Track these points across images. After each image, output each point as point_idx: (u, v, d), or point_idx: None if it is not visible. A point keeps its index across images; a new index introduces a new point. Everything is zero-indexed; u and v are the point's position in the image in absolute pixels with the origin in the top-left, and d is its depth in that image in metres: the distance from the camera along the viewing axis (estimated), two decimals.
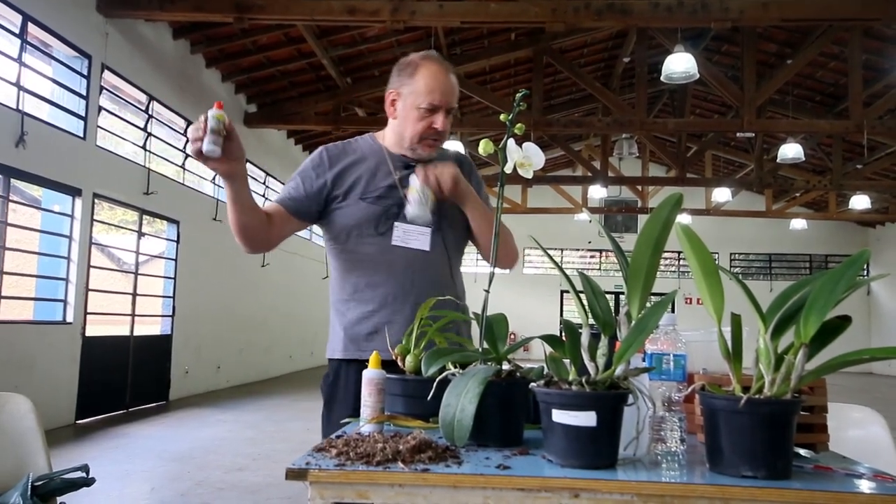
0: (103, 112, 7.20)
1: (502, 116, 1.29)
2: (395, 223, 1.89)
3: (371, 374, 1.40)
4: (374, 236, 1.89)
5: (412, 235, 1.90)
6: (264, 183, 11.71)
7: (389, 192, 1.91)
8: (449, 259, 1.96)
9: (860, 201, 14.25)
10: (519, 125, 1.27)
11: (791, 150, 11.20)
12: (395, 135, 1.97)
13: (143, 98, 7.95)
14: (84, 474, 2.35)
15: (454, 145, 10.64)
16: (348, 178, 1.93)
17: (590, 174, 12.98)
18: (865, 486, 1.07)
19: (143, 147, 7.91)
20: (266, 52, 9.34)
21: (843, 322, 1.11)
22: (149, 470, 4.86)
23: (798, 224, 18.03)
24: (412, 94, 1.88)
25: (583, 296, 1.25)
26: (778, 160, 11.70)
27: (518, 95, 1.25)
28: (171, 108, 8.45)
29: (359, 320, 1.94)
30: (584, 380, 1.15)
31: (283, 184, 11.89)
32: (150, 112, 8.04)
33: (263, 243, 1.94)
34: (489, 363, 1.34)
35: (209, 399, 8.70)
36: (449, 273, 1.96)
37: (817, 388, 1.32)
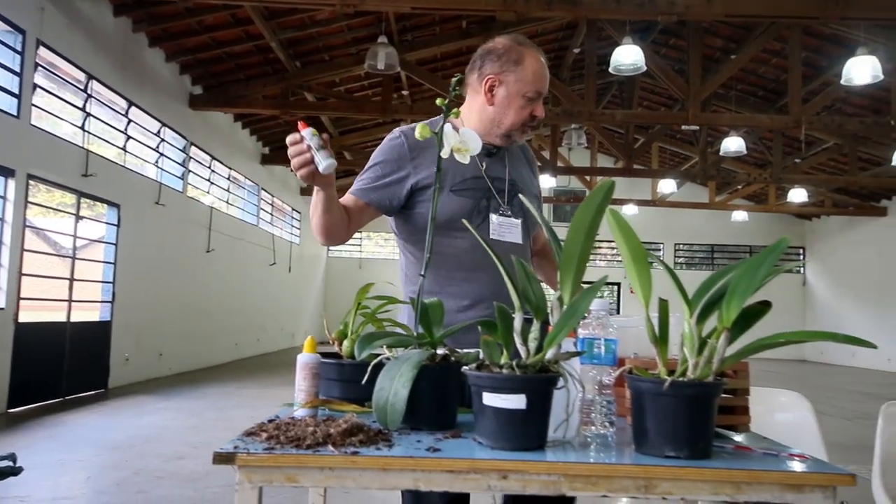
0: (39, 90, 6.93)
1: (438, 101, 1.29)
2: (491, 216, 1.84)
3: (305, 359, 1.39)
4: (466, 230, 1.72)
5: (507, 228, 1.86)
6: (209, 167, 11.47)
7: (477, 183, 1.85)
8: (530, 249, 1.96)
9: (798, 194, 14.75)
10: (455, 110, 1.27)
11: (734, 144, 11.51)
12: (488, 121, 1.87)
13: (82, 77, 7.68)
14: (11, 463, 2.28)
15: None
16: (433, 167, 1.78)
17: (539, 164, 13.07)
18: (780, 464, 1.12)
19: (82, 128, 7.65)
20: (212, 33, 9.12)
21: (763, 307, 1.15)
22: (84, 459, 4.74)
23: (739, 216, 18.55)
24: (518, 81, 1.82)
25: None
26: (721, 153, 12.01)
27: (453, 80, 1.25)
28: (111, 88, 8.19)
29: (453, 314, 1.81)
30: (514, 363, 1.16)
31: (229, 168, 11.66)
32: (89, 91, 7.78)
33: (343, 238, 1.86)
34: (424, 347, 1.34)
35: (150, 387, 8.52)
36: (530, 263, 1.95)
37: (740, 371, 1.36)
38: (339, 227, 1.79)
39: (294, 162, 1.53)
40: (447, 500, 1.77)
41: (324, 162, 1.51)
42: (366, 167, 1.89)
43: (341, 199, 1.82)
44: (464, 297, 1.83)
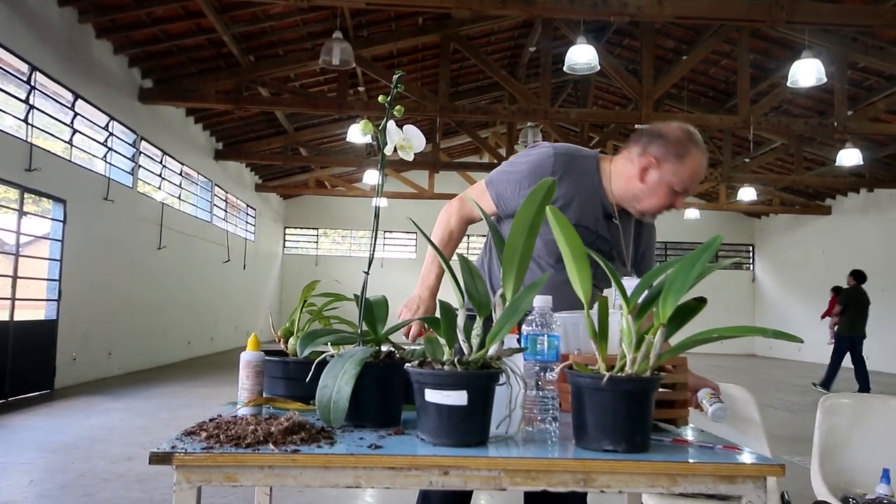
0: None
1: (380, 98, 1.29)
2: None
3: (248, 357, 1.38)
4: (553, 265, 1.93)
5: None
6: (161, 162, 11.24)
7: (591, 231, 1.93)
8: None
9: (747, 193, 15.11)
10: (398, 107, 1.27)
11: None
12: (629, 192, 1.93)
13: (25, 68, 7.44)
14: None
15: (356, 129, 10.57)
16: (564, 189, 1.91)
17: (496, 161, 13.16)
18: (714, 457, 1.15)
19: (25, 120, 7.41)
20: (162, 26, 8.92)
21: (699, 304, 1.18)
22: (28, 462, 4.60)
23: (692, 214, 18.90)
24: (674, 174, 1.85)
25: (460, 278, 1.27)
26: None
27: (395, 77, 1.25)
28: (56, 80, 7.95)
29: None
30: (456, 360, 1.17)
31: (182, 164, 11.42)
32: (32, 83, 7.54)
33: None
34: (368, 344, 1.34)
35: (99, 387, 8.32)
36: None
37: (679, 366, 1.39)
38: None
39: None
40: (449, 498, 1.87)
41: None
42: (511, 171, 1.95)
43: (474, 194, 1.99)
44: None
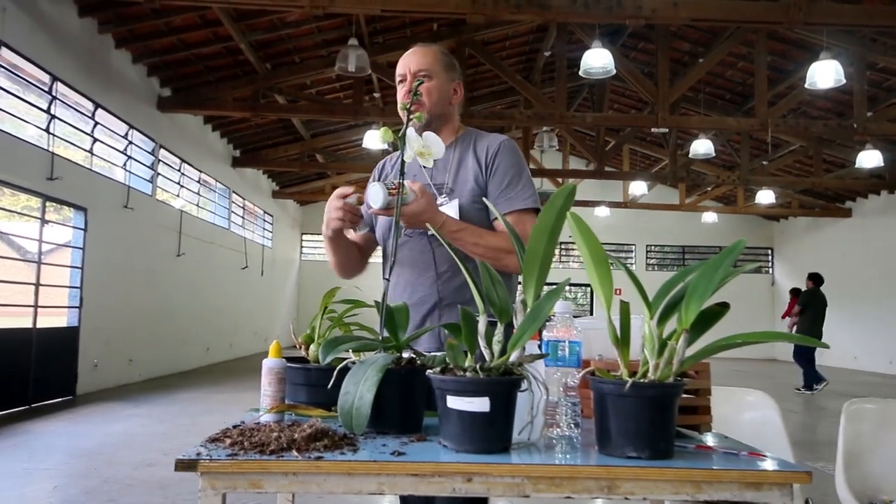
0: (2, 92, 6.80)
1: (400, 105, 1.29)
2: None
3: (271, 364, 1.38)
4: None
5: None
6: (179, 170, 11.34)
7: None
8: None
9: (766, 196, 14.99)
10: (417, 114, 1.28)
11: (702, 146, 11.66)
12: None
13: (47, 78, 7.54)
14: None
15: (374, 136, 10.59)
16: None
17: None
18: (740, 463, 1.14)
19: (47, 130, 7.52)
20: (180, 35, 9.02)
21: (722, 309, 1.17)
22: (52, 468, 4.66)
23: (709, 217, 18.80)
24: None
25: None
26: (690, 155, 12.16)
27: (415, 85, 1.26)
28: (77, 90, 8.05)
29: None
30: (478, 366, 1.17)
31: (200, 171, 11.57)
32: (53, 93, 7.65)
33: (358, 272, 2.10)
34: (389, 351, 1.35)
35: (120, 393, 8.40)
36: None
37: (701, 371, 1.38)
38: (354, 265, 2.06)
39: (337, 215, 1.72)
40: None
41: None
42: (527, 178, 1.91)
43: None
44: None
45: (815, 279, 10.94)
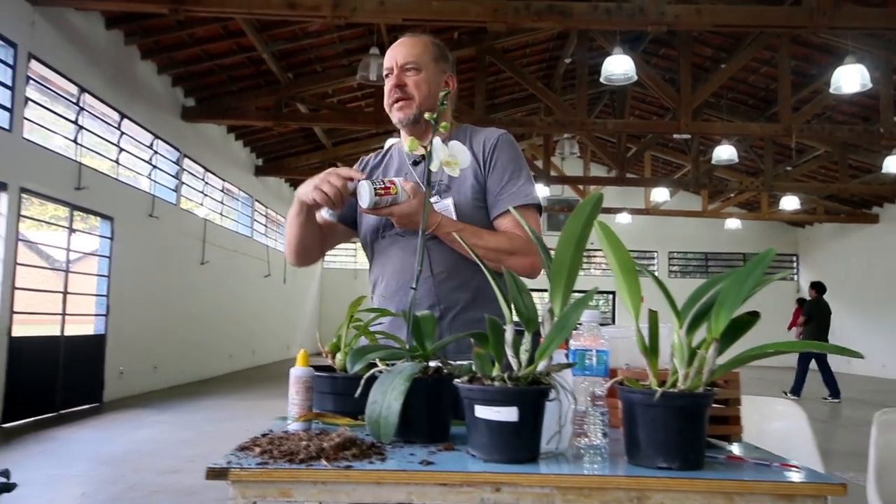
0: (31, 103, 6.93)
1: (426, 115, 1.30)
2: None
3: (298, 372, 1.39)
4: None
5: None
6: (203, 179, 11.47)
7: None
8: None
9: (790, 202, 14.81)
10: (444, 124, 1.28)
11: (725, 152, 11.57)
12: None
13: (74, 90, 7.68)
14: (4, 479, 2.27)
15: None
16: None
17: (533, 173, 13.12)
18: (772, 474, 1.12)
19: (75, 140, 7.65)
20: (203, 45, 9.14)
21: (752, 318, 1.16)
22: (80, 474, 4.71)
23: (732, 224, 18.61)
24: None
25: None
26: (713, 161, 12.07)
27: (441, 94, 1.26)
28: (104, 101, 8.19)
29: None
30: (506, 375, 1.17)
31: (223, 180, 11.70)
32: (81, 104, 7.78)
33: (314, 260, 2.01)
34: (416, 360, 1.35)
35: (146, 400, 8.48)
36: None
37: (731, 381, 1.37)
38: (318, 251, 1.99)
39: (328, 189, 1.60)
40: None
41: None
42: (527, 173, 1.89)
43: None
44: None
45: (818, 288, 11.00)
